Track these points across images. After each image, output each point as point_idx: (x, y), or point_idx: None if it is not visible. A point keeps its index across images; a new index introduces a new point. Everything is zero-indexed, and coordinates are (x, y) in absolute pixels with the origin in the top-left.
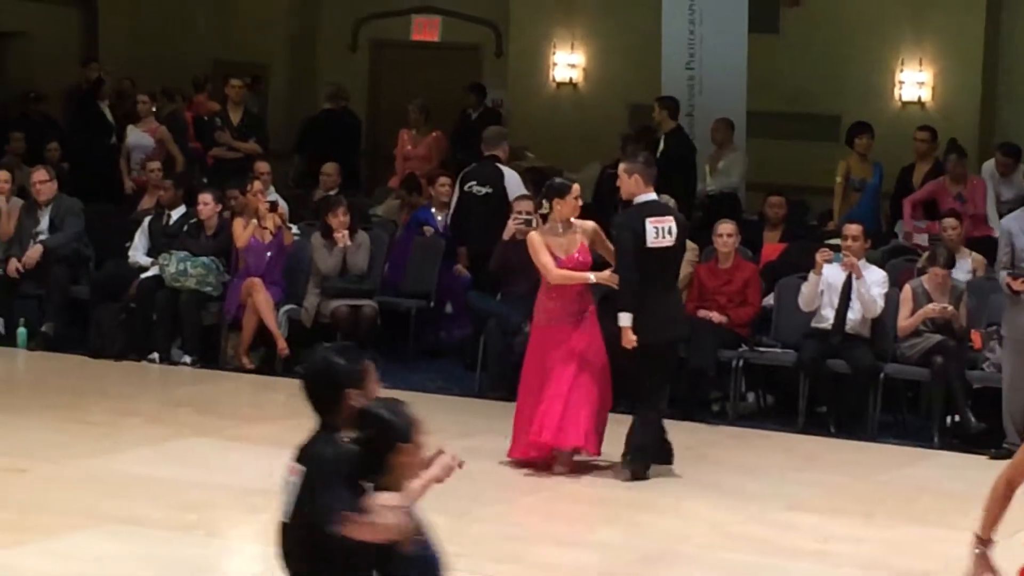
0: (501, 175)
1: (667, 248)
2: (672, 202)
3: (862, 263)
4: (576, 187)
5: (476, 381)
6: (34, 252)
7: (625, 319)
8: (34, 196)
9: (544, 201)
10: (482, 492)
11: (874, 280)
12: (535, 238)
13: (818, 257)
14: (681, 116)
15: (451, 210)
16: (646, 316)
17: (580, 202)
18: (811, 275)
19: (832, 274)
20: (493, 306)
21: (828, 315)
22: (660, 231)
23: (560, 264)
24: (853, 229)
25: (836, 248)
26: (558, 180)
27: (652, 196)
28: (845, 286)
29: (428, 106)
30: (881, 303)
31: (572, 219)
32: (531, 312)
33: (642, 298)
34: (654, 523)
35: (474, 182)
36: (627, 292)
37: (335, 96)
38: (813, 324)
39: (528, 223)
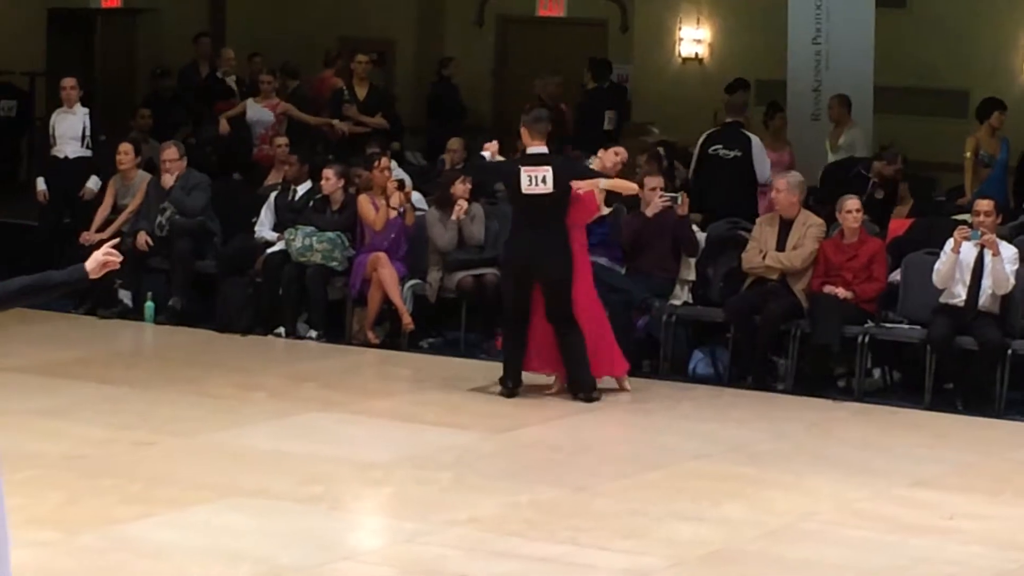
0: (748, 140)
1: (543, 195)
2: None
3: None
4: None
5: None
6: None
7: None
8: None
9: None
10: (601, 467)
11: (1007, 257)
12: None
13: (956, 235)
14: (807, 91)
15: (691, 171)
16: (518, 249)
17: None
18: (948, 252)
19: (964, 250)
20: (618, 280)
21: (959, 292)
22: (534, 179)
23: None
24: (985, 204)
25: (966, 224)
26: None
27: (540, 149)
28: (977, 262)
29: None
30: (1013, 280)
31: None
32: (657, 289)
33: (517, 234)
34: (779, 499)
35: (720, 145)
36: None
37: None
38: (943, 300)
39: (674, 200)
